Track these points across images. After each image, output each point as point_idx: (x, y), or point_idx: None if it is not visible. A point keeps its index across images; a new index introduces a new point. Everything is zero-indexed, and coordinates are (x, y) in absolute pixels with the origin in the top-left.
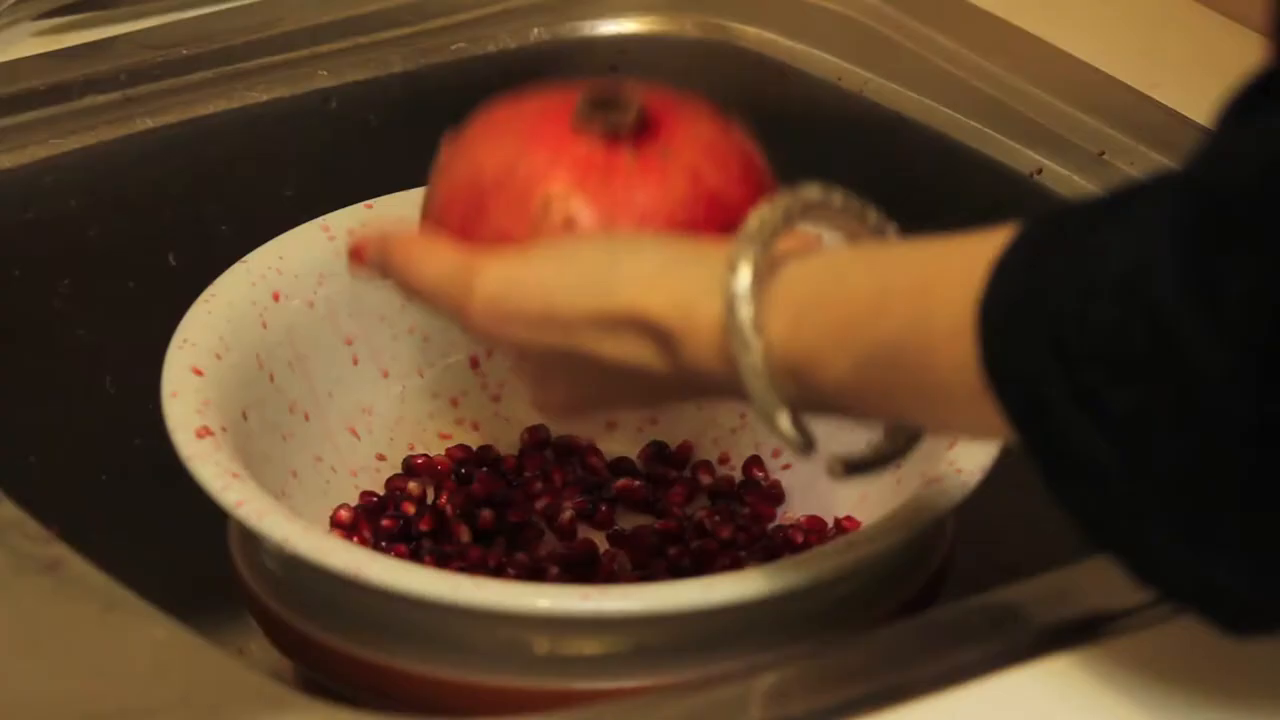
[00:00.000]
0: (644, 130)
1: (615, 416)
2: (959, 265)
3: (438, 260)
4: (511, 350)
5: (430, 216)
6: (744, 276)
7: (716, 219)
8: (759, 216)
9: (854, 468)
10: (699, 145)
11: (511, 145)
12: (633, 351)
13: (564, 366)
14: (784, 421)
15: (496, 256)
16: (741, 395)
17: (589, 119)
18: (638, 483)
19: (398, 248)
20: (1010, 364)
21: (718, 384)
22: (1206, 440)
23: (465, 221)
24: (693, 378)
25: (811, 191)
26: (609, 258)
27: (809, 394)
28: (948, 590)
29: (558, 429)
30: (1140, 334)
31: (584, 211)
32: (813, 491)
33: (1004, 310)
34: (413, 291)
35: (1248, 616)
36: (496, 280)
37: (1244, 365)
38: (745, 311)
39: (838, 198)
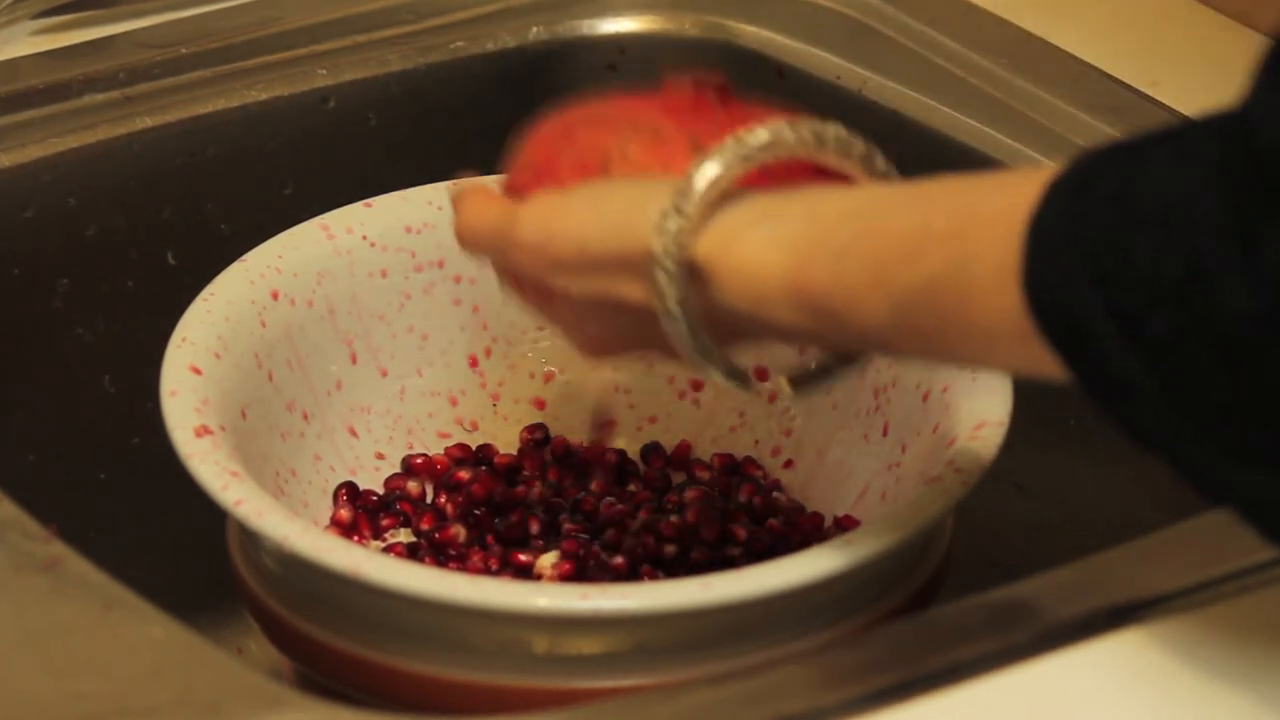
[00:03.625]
0: (726, 98)
1: (651, 358)
2: (999, 206)
3: (488, 209)
4: (554, 292)
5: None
6: (700, 180)
7: (777, 176)
8: (741, 135)
9: (800, 383)
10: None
11: (599, 105)
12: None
13: (600, 308)
14: (716, 366)
15: (536, 201)
16: (776, 336)
17: (678, 79)
18: (632, 487)
19: (459, 199)
20: (1054, 295)
21: (748, 326)
22: (1234, 373)
23: (552, 149)
24: (726, 318)
25: (810, 126)
26: (641, 197)
27: (851, 333)
28: (948, 590)
29: (597, 365)
30: (1176, 267)
31: (641, 156)
32: (812, 491)
33: (1048, 245)
34: (466, 240)
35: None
36: (535, 226)
37: (1271, 313)
38: (673, 224)
39: (837, 134)
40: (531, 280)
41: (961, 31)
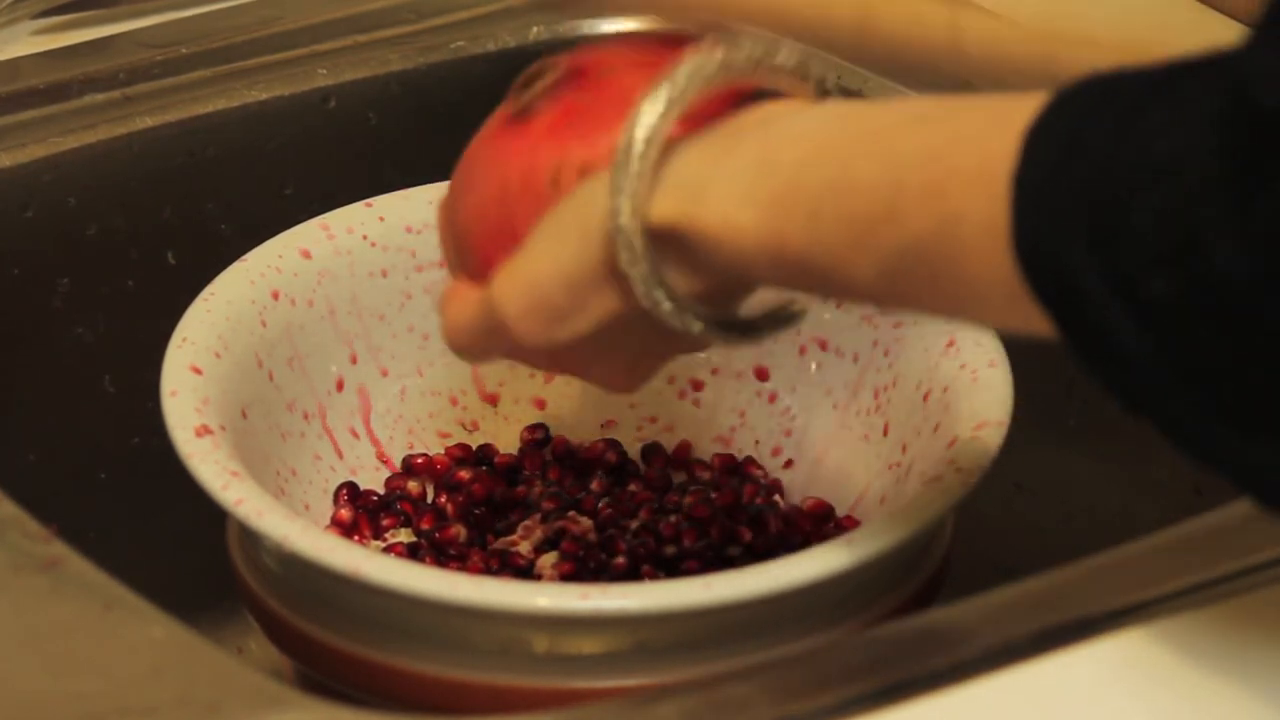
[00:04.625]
0: (574, 78)
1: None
2: (976, 159)
3: (466, 306)
4: (563, 347)
5: (459, 263)
6: (638, 135)
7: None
8: (688, 66)
9: (745, 330)
10: (636, 63)
11: (492, 170)
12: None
13: (606, 336)
14: (721, 336)
15: (501, 273)
16: (795, 285)
17: (520, 97)
18: (632, 487)
19: (440, 306)
20: (1048, 258)
21: (736, 282)
22: (1231, 339)
23: (496, 240)
24: (711, 280)
25: (753, 46)
26: (586, 195)
27: (837, 290)
28: (948, 590)
29: (635, 395)
30: (1174, 226)
31: (580, 154)
32: (812, 491)
33: (1037, 203)
34: (459, 346)
35: None
36: (510, 297)
37: (1269, 277)
38: (623, 201)
39: (786, 54)
40: (536, 348)
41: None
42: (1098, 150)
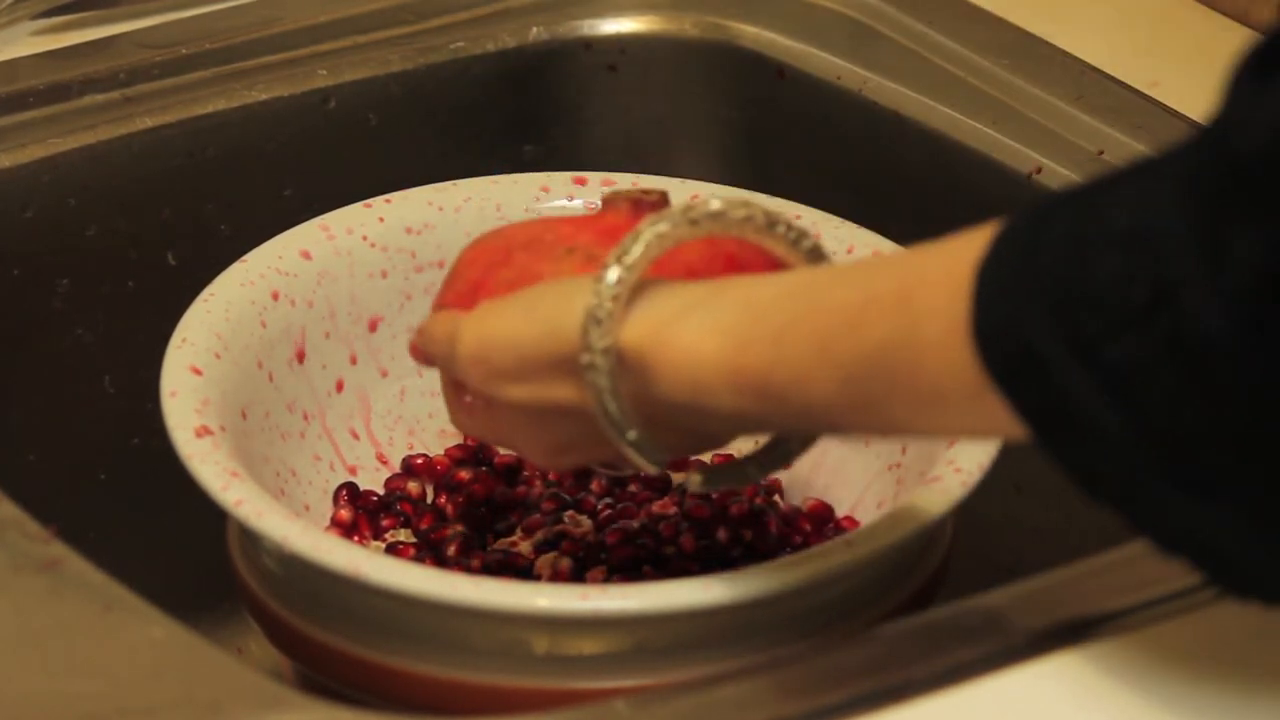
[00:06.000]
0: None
1: (602, 462)
2: (943, 264)
3: (440, 321)
4: (498, 403)
5: (451, 285)
6: (612, 274)
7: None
8: (650, 221)
9: (712, 479)
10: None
11: (537, 225)
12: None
13: (543, 415)
14: (632, 436)
15: (476, 311)
16: (718, 424)
17: (616, 198)
18: (632, 487)
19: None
20: (1005, 333)
21: (689, 418)
22: (1204, 398)
23: (488, 268)
24: (664, 412)
25: (760, 209)
26: (570, 291)
27: (796, 413)
28: (947, 590)
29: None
30: (1143, 285)
31: (600, 248)
32: (812, 491)
33: (997, 286)
34: (418, 349)
35: (1247, 578)
36: (474, 334)
37: (1245, 331)
38: (601, 310)
39: (759, 215)
40: (476, 391)
41: (961, 31)
42: (1060, 231)
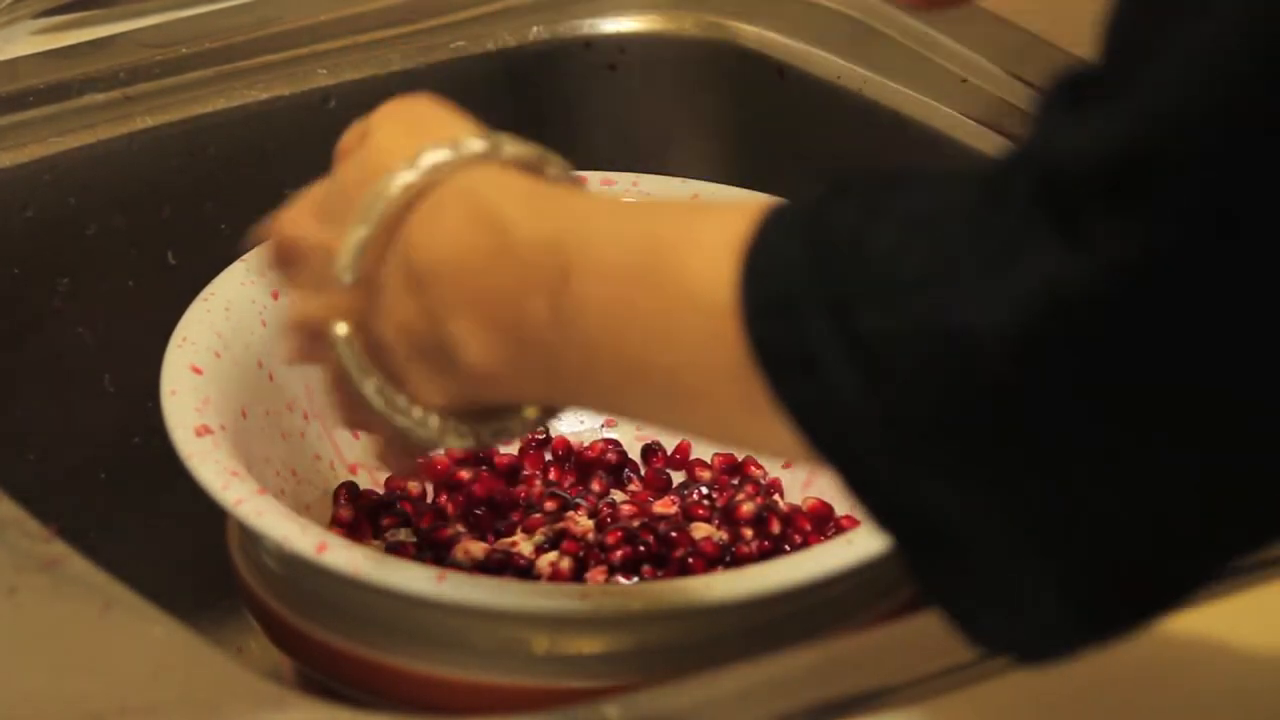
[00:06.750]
0: None
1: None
2: (718, 226)
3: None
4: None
5: None
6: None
7: None
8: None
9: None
10: None
11: None
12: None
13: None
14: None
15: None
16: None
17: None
18: (633, 487)
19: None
20: (770, 277)
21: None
22: (945, 388)
23: None
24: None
25: (474, 144)
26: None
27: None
28: None
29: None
30: (912, 265)
31: None
32: (812, 491)
33: (772, 242)
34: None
35: (951, 571)
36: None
37: (1020, 340)
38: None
39: (509, 148)
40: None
41: (961, 31)
42: (844, 207)
